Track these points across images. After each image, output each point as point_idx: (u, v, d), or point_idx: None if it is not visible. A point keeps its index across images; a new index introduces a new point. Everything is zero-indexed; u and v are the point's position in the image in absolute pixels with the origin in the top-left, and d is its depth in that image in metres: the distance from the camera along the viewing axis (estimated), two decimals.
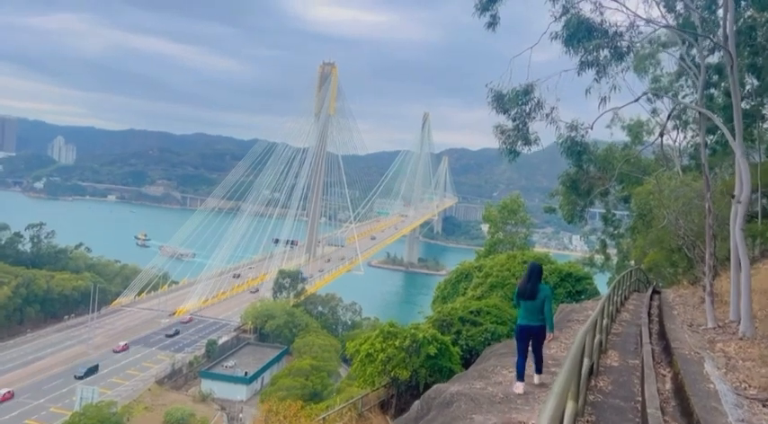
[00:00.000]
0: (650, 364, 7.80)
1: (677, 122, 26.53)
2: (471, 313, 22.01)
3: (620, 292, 15.51)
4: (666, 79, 26.10)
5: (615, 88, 13.19)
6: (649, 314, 14.78)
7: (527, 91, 13.11)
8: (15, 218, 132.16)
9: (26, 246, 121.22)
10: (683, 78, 24.81)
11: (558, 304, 22.03)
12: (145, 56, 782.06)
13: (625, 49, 13.10)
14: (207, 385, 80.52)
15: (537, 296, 8.98)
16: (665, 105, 25.49)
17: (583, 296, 28.33)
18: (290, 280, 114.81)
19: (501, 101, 13.64)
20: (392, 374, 18.23)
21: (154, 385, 78.59)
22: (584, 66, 12.90)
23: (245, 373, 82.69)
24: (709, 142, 28.87)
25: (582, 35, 12.20)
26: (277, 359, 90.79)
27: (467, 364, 17.28)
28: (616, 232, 36.08)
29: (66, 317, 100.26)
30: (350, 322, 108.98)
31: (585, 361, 6.47)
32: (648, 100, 24.95)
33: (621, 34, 12.63)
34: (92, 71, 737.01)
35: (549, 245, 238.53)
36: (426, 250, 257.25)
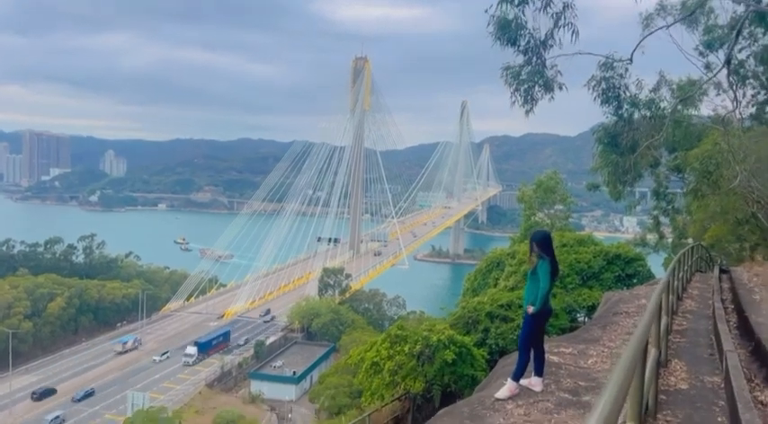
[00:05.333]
0: (743, 388, 4.85)
1: (733, 78, 23.28)
2: (501, 306, 19.05)
3: (680, 274, 11.66)
4: (720, 31, 22.89)
5: None
6: (722, 301, 11.18)
7: None
8: (72, 231, 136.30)
9: (79, 257, 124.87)
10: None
11: (604, 291, 19.33)
12: (187, 67, 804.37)
13: None
14: (256, 386, 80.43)
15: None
16: (718, 59, 22.28)
17: (635, 280, 25.32)
18: (334, 278, 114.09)
19: (507, 30, 10.33)
20: (403, 386, 15.84)
21: (204, 389, 79.06)
22: None
23: (294, 372, 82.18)
24: None
25: None
26: (325, 357, 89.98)
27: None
28: (670, 207, 32.43)
29: (119, 324, 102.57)
30: (395, 317, 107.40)
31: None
32: (701, 53, 21.77)
33: None
34: (138, 85, 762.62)
35: (599, 229, 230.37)
36: (472, 240, 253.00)
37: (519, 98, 11.06)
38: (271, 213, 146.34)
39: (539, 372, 7.07)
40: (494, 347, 17.62)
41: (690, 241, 29.77)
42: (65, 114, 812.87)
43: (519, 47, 10.35)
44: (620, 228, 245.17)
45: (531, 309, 6.79)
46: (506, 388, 6.87)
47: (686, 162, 22.85)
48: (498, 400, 6.64)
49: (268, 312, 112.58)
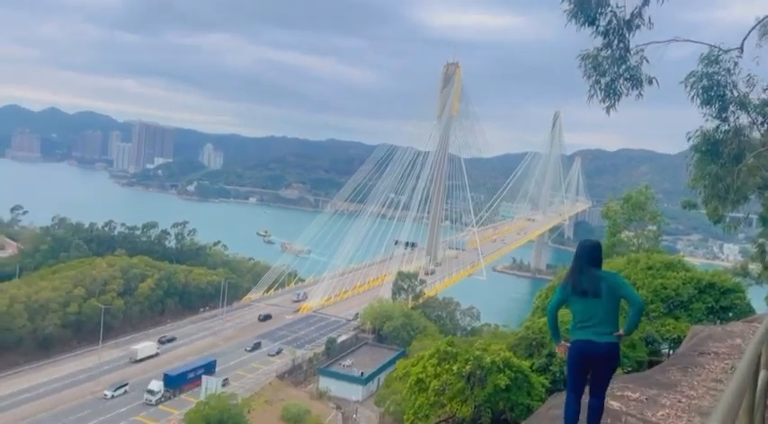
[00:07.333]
0: None
1: None
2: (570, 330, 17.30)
3: None
4: None
5: None
6: None
7: None
8: (169, 218, 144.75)
9: (171, 243, 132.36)
10: None
11: (693, 323, 17.11)
12: (284, 69, 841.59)
13: None
14: (324, 383, 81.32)
15: (600, 290, 5.60)
16: None
17: (730, 314, 22.56)
18: (408, 282, 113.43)
19: (585, 5, 8.72)
20: (449, 407, 14.50)
21: (275, 380, 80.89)
22: None
23: (362, 373, 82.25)
24: None
25: None
26: (394, 361, 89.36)
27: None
28: None
29: (202, 310, 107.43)
30: (469, 328, 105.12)
31: None
32: None
33: None
34: (238, 84, 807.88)
35: (695, 254, 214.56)
36: (556, 256, 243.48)
37: (599, 92, 9.52)
38: (352, 213, 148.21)
39: None
40: (558, 375, 15.64)
41: None
42: (169, 107, 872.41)
43: (598, 27, 8.95)
44: (720, 255, 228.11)
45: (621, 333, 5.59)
46: None
47: None
48: None
49: None
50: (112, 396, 70.06)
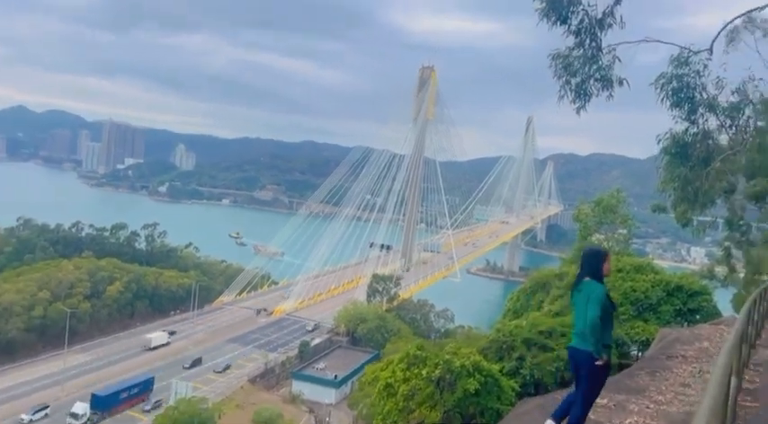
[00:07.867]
0: None
1: None
2: (541, 333, 17.04)
3: (755, 317, 9.04)
4: None
5: None
6: None
7: None
8: (139, 219, 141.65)
9: (141, 245, 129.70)
10: None
11: (661, 325, 17.26)
12: (260, 70, 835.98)
13: None
14: (298, 386, 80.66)
15: (572, 298, 5.86)
16: None
17: (697, 316, 22.88)
18: (383, 285, 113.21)
19: (557, 4, 8.60)
20: (418, 413, 14.13)
21: (246, 384, 79.88)
22: None
23: (335, 376, 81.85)
24: None
25: None
26: (367, 364, 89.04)
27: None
28: (744, 238, 29.18)
29: (172, 313, 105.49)
30: (443, 330, 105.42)
31: None
32: None
33: None
34: (213, 84, 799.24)
35: (664, 257, 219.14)
36: (528, 258, 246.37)
37: (569, 92, 9.41)
38: (327, 215, 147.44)
39: None
40: (528, 378, 15.45)
41: (766, 277, 26.86)
42: (141, 107, 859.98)
43: (570, 26, 8.76)
44: (687, 258, 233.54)
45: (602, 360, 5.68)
46: None
47: None
48: None
49: None
50: (30, 420, 61.59)
